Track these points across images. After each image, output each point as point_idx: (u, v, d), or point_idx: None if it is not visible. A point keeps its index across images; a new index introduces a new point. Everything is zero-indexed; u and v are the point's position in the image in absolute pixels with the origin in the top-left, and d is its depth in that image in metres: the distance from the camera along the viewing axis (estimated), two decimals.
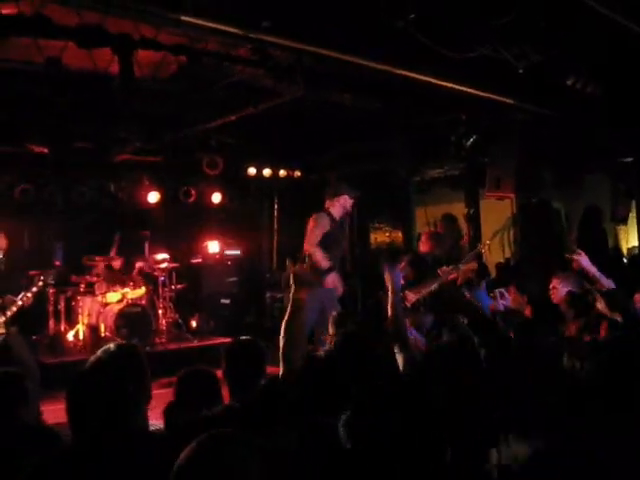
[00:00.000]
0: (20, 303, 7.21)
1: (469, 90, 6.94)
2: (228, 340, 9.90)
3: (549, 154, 8.60)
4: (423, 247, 8.31)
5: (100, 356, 3.51)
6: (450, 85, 6.75)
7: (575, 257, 5.90)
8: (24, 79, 7.00)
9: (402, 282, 7.70)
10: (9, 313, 6.89)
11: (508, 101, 7.38)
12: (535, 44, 5.97)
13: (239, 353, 4.13)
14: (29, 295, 7.35)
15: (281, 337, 7.43)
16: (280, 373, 6.96)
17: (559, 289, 6.24)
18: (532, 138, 8.34)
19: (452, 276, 7.36)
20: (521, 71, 6.30)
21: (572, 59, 6.59)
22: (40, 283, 7.53)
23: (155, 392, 3.76)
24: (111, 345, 3.60)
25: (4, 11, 4.94)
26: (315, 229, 7.31)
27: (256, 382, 3.93)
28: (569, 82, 6.79)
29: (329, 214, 7.50)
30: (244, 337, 4.37)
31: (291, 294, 7.61)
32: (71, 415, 2.86)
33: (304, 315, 7.36)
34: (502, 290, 6.28)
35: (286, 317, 7.54)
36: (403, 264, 8.02)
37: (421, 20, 5.50)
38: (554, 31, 5.79)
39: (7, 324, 6.93)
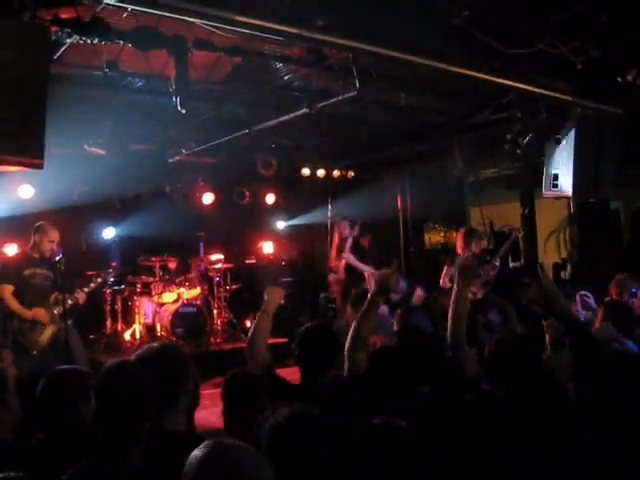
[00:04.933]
0: (76, 297, 7.38)
1: (525, 87, 6.79)
2: (282, 340, 9.98)
3: (608, 152, 8.41)
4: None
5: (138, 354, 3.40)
6: (506, 82, 6.62)
7: None
8: (82, 82, 7.10)
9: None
10: (65, 307, 7.02)
11: (566, 98, 7.21)
12: (595, 39, 5.84)
13: (314, 336, 4.14)
14: (85, 291, 7.53)
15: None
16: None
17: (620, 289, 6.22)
18: (590, 136, 8.15)
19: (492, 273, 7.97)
20: (580, 66, 6.17)
21: (633, 53, 6.43)
22: (99, 280, 7.71)
23: (209, 392, 3.75)
24: (153, 345, 3.46)
25: (63, 16, 5.00)
26: None
27: (329, 367, 3.97)
28: (629, 77, 6.63)
29: None
30: (318, 322, 4.33)
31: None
32: (96, 413, 2.83)
33: None
34: (586, 293, 6.33)
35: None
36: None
37: (477, 16, 5.43)
38: (615, 25, 5.65)
39: (63, 317, 7.06)
